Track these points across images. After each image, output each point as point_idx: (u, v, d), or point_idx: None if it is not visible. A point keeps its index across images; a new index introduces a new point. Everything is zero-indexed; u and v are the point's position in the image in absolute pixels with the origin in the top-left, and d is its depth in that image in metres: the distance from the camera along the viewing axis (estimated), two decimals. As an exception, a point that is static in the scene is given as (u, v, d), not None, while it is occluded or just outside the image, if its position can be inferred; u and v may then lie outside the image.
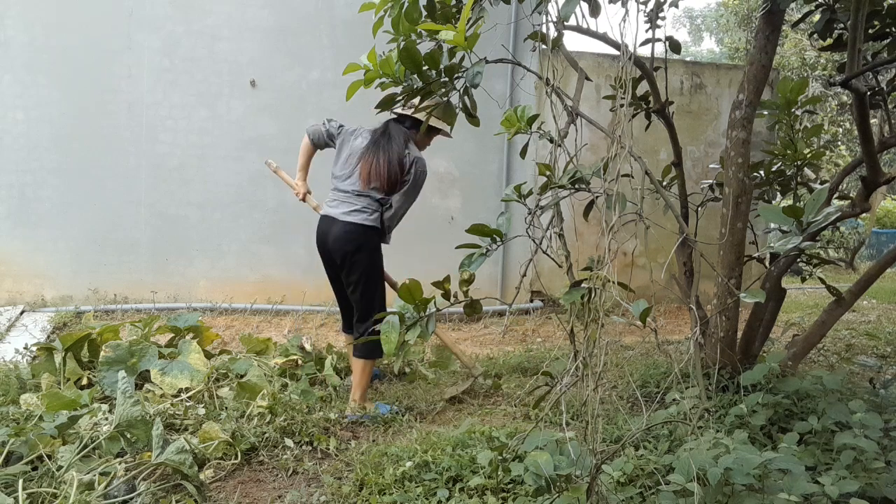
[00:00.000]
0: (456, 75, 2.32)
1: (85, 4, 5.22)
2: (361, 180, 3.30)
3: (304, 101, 5.61)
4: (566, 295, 1.92)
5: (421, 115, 3.12)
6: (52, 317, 4.88)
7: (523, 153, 2.70)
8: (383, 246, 3.46)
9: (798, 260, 3.49)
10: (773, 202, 3.84)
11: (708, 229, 4.83)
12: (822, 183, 3.65)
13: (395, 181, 3.29)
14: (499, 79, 5.75)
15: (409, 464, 2.52)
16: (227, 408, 3.04)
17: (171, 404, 3.03)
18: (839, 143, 11.67)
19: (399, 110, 3.34)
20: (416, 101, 3.18)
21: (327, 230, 3.33)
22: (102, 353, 3.32)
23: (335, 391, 3.50)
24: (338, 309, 3.75)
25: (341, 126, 3.49)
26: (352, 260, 3.28)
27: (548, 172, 2.04)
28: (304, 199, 3.69)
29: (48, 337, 4.39)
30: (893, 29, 3.09)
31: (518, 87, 5.69)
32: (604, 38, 3.14)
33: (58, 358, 3.35)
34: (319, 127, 3.50)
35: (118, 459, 2.46)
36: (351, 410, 3.26)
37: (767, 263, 3.44)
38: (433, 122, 3.31)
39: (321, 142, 3.52)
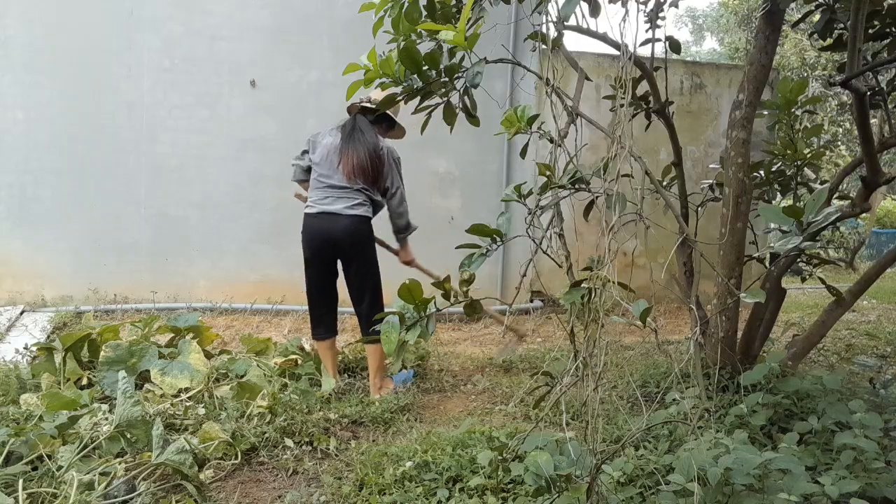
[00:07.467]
0: (456, 75, 2.32)
1: (85, 4, 5.22)
2: (345, 176, 3.39)
3: (304, 101, 5.61)
4: (566, 295, 1.92)
5: (377, 106, 3.23)
6: (52, 317, 4.88)
7: (523, 153, 2.70)
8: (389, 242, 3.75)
9: (798, 260, 3.49)
10: (773, 202, 3.84)
11: (708, 229, 4.83)
12: (822, 183, 3.65)
13: (377, 172, 3.43)
14: (499, 79, 5.74)
15: (409, 464, 2.52)
16: (227, 408, 3.04)
17: (171, 404, 3.03)
18: (839, 143, 11.67)
19: (363, 104, 3.49)
20: (372, 94, 3.31)
21: (330, 226, 3.40)
22: (102, 353, 3.32)
23: (334, 391, 3.49)
24: None
25: (305, 150, 3.62)
26: (361, 251, 3.45)
27: (548, 172, 2.04)
28: None
29: (48, 337, 4.39)
30: (893, 29, 3.09)
31: (518, 87, 5.69)
32: (604, 38, 3.14)
33: (58, 358, 3.35)
34: (294, 166, 3.66)
35: (118, 459, 2.46)
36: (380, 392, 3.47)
37: (767, 263, 3.44)
38: (387, 110, 3.37)
39: (304, 174, 3.64)
